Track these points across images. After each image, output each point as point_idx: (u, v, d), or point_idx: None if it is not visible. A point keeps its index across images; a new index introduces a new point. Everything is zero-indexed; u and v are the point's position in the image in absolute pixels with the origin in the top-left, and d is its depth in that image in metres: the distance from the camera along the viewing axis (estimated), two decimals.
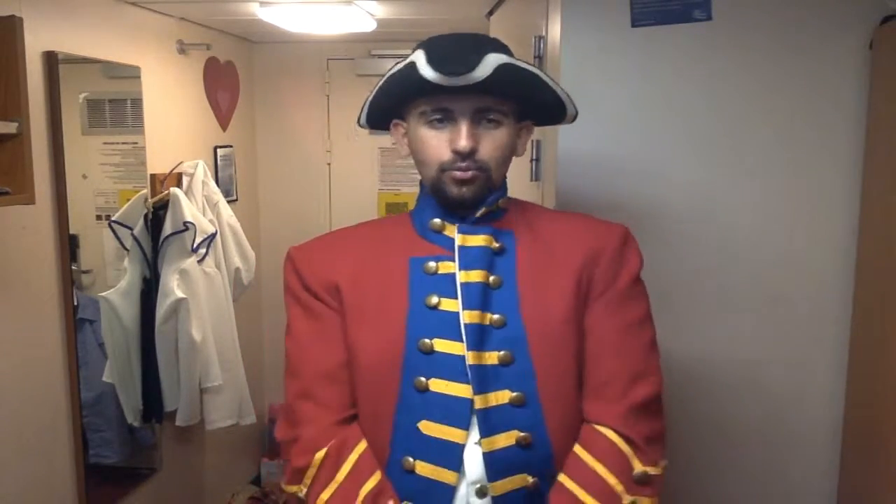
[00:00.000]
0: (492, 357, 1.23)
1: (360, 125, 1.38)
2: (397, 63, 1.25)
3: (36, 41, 2.10)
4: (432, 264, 1.28)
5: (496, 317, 1.24)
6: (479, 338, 1.23)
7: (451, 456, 1.22)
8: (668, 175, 1.73)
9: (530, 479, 1.22)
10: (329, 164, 3.81)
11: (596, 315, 1.28)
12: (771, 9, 1.67)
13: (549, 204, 1.76)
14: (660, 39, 1.68)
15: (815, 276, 1.74)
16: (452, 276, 1.27)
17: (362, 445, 1.26)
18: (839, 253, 1.73)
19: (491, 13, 2.79)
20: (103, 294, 2.53)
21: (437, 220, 1.30)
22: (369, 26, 2.93)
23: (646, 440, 1.24)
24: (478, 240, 1.28)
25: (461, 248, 1.27)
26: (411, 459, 1.23)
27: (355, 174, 3.80)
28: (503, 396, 1.22)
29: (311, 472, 1.25)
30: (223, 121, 3.38)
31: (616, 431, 1.24)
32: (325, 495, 1.23)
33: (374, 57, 3.67)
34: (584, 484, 1.21)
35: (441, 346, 1.23)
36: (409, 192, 3.77)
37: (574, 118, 1.35)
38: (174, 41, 2.93)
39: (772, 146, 1.71)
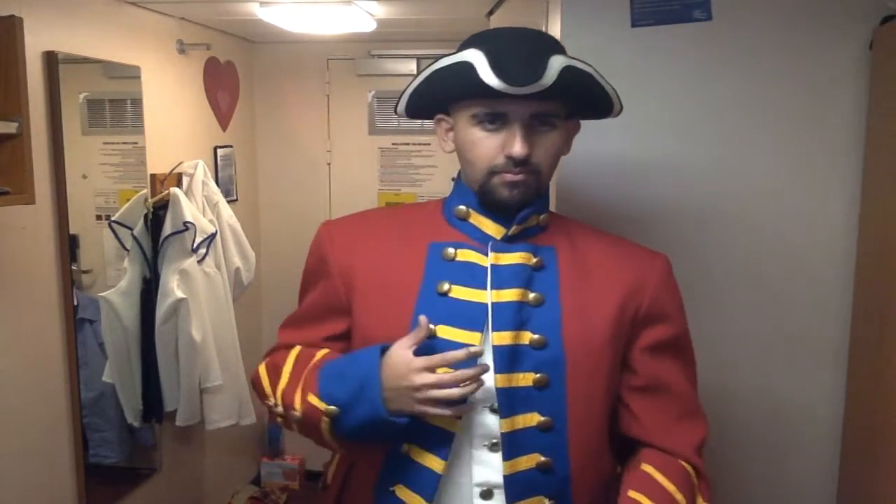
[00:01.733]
0: (526, 378, 1.20)
1: (397, 113, 1.34)
2: (444, 57, 1.20)
3: (36, 41, 2.10)
4: (451, 250, 1.25)
5: (536, 337, 1.21)
6: (511, 360, 1.20)
7: (442, 445, 1.22)
8: (668, 175, 1.73)
9: (547, 502, 1.22)
10: (329, 164, 3.80)
11: (653, 351, 1.28)
12: (771, 9, 1.67)
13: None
14: (660, 39, 1.68)
15: (815, 275, 1.74)
16: (471, 264, 1.24)
17: (298, 347, 1.32)
18: (839, 253, 1.73)
19: (491, 13, 2.79)
20: (103, 294, 2.53)
21: (462, 207, 1.28)
22: (369, 26, 2.93)
23: (705, 474, 1.27)
24: (512, 258, 1.24)
25: (493, 266, 1.24)
26: (406, 445, 1.23)
27: (355, 174, 3.79)
28: (531, 420, 1.20)
29: (264, 382, 1.31)
30: (223, 121, 3.38)
31: (689, 462, 1.26)
32: (282, 384, 1.27)
33: (374, 57, 3.67)
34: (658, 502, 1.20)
35: (444, 332, 1.21)
36: (409, 192, 3.77)
37: (619, 113, 1.31)
38: (174, 41, 2.93)
39: (771, 146, 1.71)
